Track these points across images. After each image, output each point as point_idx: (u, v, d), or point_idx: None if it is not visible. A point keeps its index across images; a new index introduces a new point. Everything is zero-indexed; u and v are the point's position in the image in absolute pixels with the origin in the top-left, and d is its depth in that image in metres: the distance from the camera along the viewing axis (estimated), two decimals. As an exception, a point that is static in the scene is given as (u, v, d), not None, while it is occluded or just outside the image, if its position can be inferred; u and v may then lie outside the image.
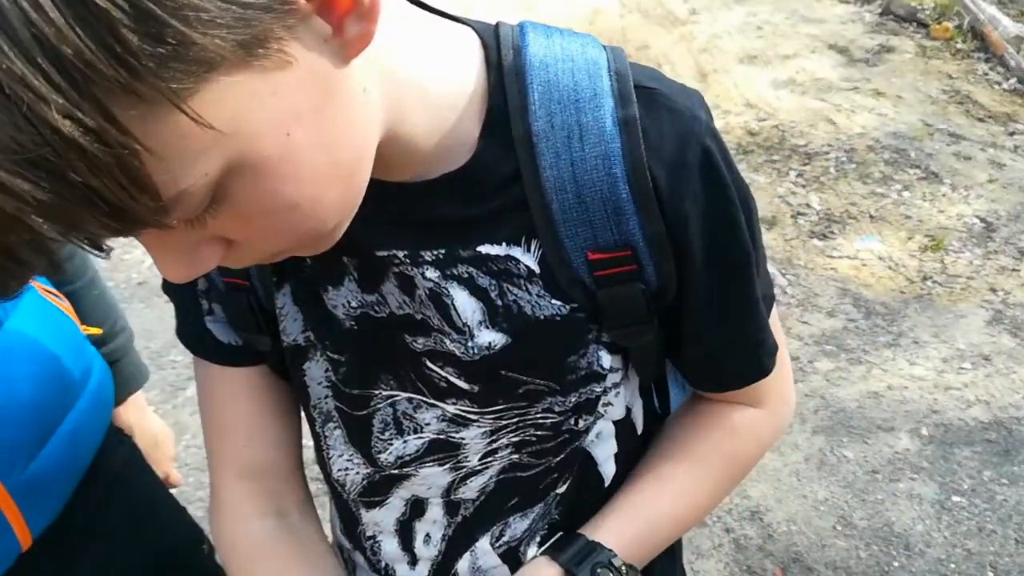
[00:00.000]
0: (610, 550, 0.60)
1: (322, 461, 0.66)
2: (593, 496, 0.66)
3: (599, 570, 0.59)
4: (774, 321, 0.62)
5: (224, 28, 0.31)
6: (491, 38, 0.51)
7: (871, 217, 3.03)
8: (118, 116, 0.29)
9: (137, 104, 0.30)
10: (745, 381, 0.62)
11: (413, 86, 0.46)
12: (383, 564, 0.68)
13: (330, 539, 0.73)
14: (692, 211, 0.52)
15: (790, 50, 4.10)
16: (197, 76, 0.31)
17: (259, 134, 0.35)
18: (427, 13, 0.50)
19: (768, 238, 2.92)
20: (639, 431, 0.67)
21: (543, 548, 0.64)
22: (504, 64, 0.50)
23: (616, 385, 0.61)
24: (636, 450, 0.68)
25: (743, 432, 0.66)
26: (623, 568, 0.60)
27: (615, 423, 0.63)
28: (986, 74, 3.84)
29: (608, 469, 0.65)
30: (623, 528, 0.63)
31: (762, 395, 0.65)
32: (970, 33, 4.10)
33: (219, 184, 0.36)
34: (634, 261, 0.52)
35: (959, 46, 4.05)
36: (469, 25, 0.52)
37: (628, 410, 0.64)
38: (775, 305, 0.63)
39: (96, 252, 0.34)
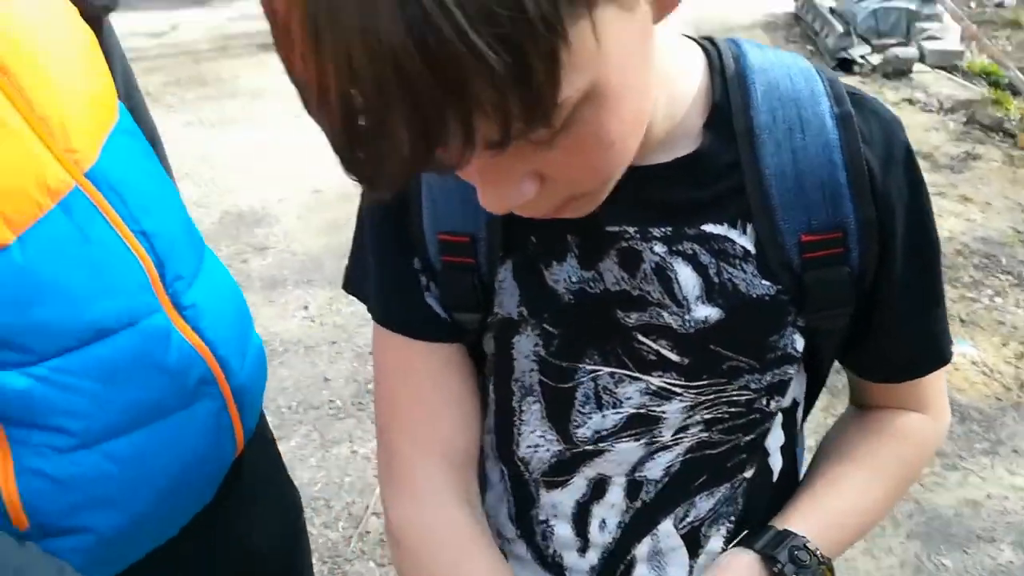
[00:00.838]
0: (803, 536, 0.62)
1: (507, 440, 0.67)
2: (765, 489, 0.68)
3: (796, 552, 0.61)
4: None
5: None
6: (711, 47, 0.59)
7: (962, 321, 2.97)
8: (561, 9, 0.35)
9: (571, 11, 0.36)
10: (931, 367, 0.67)
11: (662, 76, 0.52)
12: (551, 551, 0.69)
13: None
14: (898, 200, 0.59)
15: (873, 154, 4.14)
16: (598, 4, 0.37)
17: (613, 64, 0.40)
18: None
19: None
20: (799, 426, 0.70)
21: (734, 542, 0.66)
22: (727, 68, 0.58)
23: (796, 373, 0.64)
24: (793, 446, 0.70)
25: (912, 436, 0.70)
26: (818, 552, 0.62)
27: (783, 412, 0.67)
28: (1078, 184, 3.79)
29: (776, 461, 0.68)
30: (810, 522, 0.64)
31: (928, 399, 0.70)
32: (1059, 144, 4.07)
33: (575, 107, 0.40)
34: (842, 244, 0.58)
35: (1048, 156, 4.02)
36: (687, 36, 0.60)
37: (795, 404, 0.68)
38: None
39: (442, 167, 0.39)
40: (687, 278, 0.58)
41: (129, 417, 0.74)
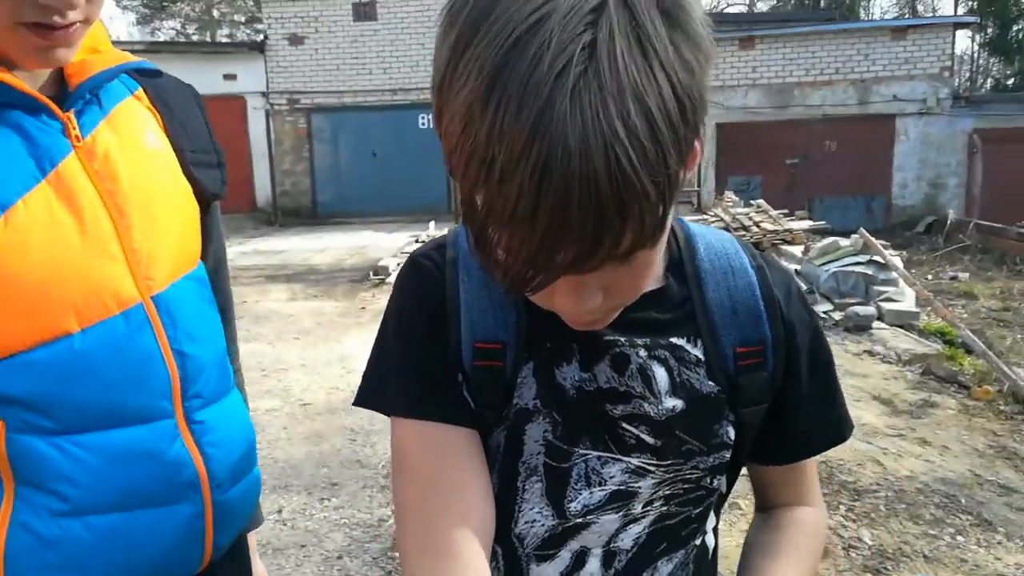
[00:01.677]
0: None
1: (505, 520, 0.76)
2: (706, 561, 0.82)
3: None
4: None
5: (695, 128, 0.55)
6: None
7: (925, 557, 3.00)
8: (681, 165, 0.53)
9: (679, 159, 0.53)
10: (832, 443, 0.84)
11: None
12: None
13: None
14: (798, 323, 0.79)
15: (836, 397, 4.36)
16: (691, 149, 0.55)
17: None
18: None
19: (820, 568, 2.91)
20: (720, 516, 0.85)
21: None
22: (678, 233, 0.80)
23: (727, 460, 0.80)
24: (711, 528, 0.84)
25: (812, 526, 0.86)
26: None
27: (719, 495, 0.81)
28: (1031, 434, 3.97)
29: (710, 540, 0.82)
30: None
31: (814, 494, 0.87)
32: (1011, 396, 4.32)
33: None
34: (763, 355, 0.77)
35: (1002, 407, 4.25)
36: None
37: (722, 491, 0.82)
38: None
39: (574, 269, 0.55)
40: (661, 376, 0.75)
41: (118, 498, 0.85)
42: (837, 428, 0.83)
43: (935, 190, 14.11)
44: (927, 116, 13.91)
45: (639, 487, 0.76)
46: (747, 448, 0.82)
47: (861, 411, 4.22)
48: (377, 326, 0.80)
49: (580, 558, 0.77)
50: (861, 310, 5.73)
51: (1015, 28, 22.96)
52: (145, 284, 0.89)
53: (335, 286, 8.16)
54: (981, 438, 3.94)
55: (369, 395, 0.76)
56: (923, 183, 14.14)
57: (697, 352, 0.77)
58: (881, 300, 5.95)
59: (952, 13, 25.80)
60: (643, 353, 0.76)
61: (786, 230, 8.40)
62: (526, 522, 0.77)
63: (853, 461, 3.69)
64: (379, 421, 3.73)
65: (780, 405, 0.81)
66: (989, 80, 29.34)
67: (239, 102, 15.04)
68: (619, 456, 0.76)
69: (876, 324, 5.71)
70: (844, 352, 5.33)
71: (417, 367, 0.74)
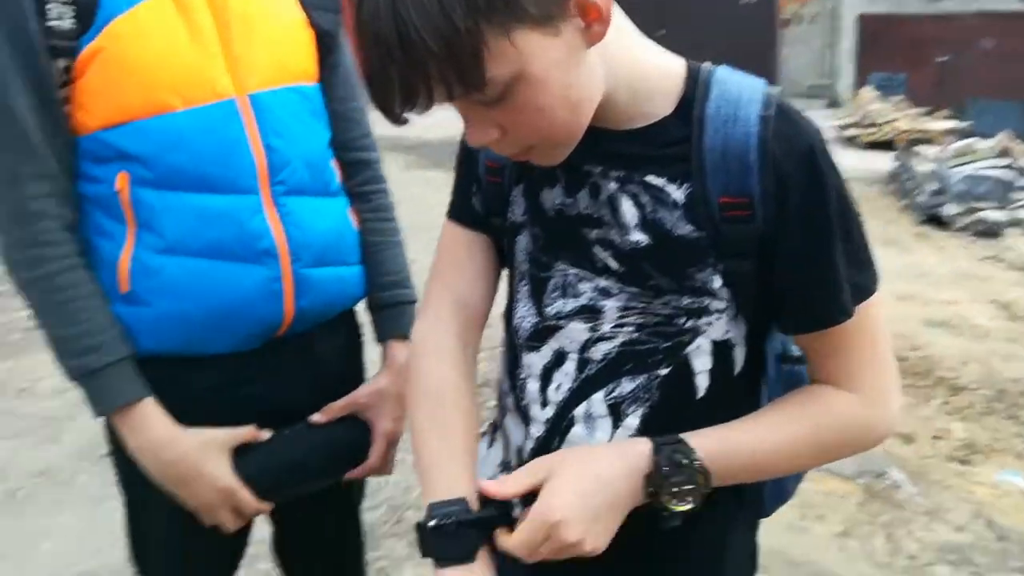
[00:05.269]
0: (692, 448, 0.78)
1: (510, 312, 0.92)
2: (685, 399, 0.84)
3: (676, 455, 0.77)
4: (874, 327, 0.81)
5: (539, 5, 0.66)
6: (695, 65, 0.82)
7: (1017, 455, 2.96)
8: (483, 28, 0.64)
9: (491, 29, 0.65)
10: (822, 322, 0.80)
11: (625, 76, 0.78)
12: (524, 403, 0.90)
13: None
14: (792, 181, 0.76)
15: (949, 296, 4.21)
16: (519, 24, 0.66)
17: (536, 62, 0.68)
18: (648, 42, 0.82)
19: (904, 451, 2.93)
20: (736, 369, 0.85)
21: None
22: (700, 76, 0.80)
23: (721, 312, 0.81)
24: (732, 383, 0.85)
25: (830, 405, 0.82)
26: (696, 464, 0.77)
27: (714, 343, 0.83)
28: None
29: (701, 381, 0.84)
30: (705, 438, 0.79)
31: (857, 380, 0.82)
32: None
33: (507, 86, 0.68)
34: (750, 208, 0.77)
35: None
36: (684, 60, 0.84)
37: (729, 342, 0.83)
38: (878, 322, 0.81)
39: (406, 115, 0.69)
40: (628, 209, 0.81)
41: (203, 246, 1.03)
42: (827, 305, 0.79)
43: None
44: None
45: (604, 306, 0.84)
46: (749, 303, 0.82)
47: (974, 312, 4.07)
48: None
49: (559, 358, 0.87)
50: (991, 215, 5.39)
51: None
52: (240, 84, 1.04)
53: (446, 158, 8.30)
54: (1103, 351, 3.74)
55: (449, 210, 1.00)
56: (1092, 90, 12.71)
57: (678, 194, 0.79)
58: (1017, 207, 5.57)
59: None
60: (613, 185, 0.82)
61: (921, 130, 7.85)
62: (519, 316, 0.91)
63: (957, 359, 3.60)
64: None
65: (775, 266, 0.79)
66: None
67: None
68: (591, 275, 0.84)
69: (1010, 231, 5.38)
70: (968, 256, 5.09)
71: (456, 182, 0.98)
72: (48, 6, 0.95)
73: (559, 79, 0.71)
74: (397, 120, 0.71)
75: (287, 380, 1.14)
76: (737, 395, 0.86)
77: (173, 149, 1.00)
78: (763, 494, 0.96)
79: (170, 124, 1.00)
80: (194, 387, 1.08)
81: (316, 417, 1.16)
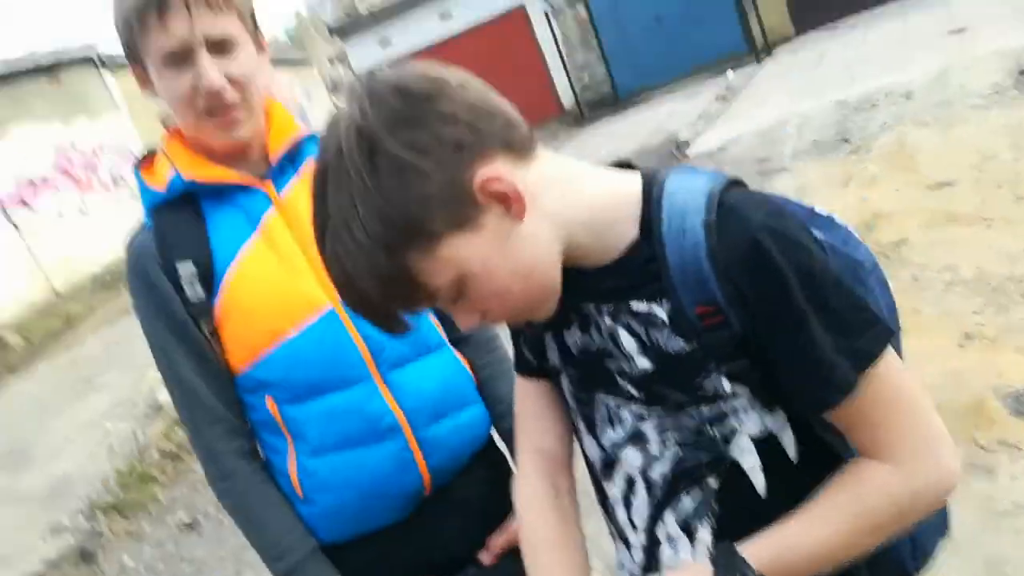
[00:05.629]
0: (747, 563, 0.78)
1: (582, 450, 0.97)
2: (750, 502, 0.84)
3: (732, 572, 0.78)
4: (893, 389, 0.78)
5: (449, 215, 0.72)
6: (649, 177, 0.84)
7: None
8: (409, 258, 0.72)
9: (416, 255, 0.72)
10: (825, 402, 0.79)
11: (581, 219, 0.81)
12: (618, 528, 0.96)
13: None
14: (745, 283, 0.76)
15: None
16: (439, 239, 0.72)
17: (473, 260, 0.74)
18: (598, 170, 0.85)
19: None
20: (792, 457, 0.85)
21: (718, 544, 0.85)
22: (654, 193, 0.81)
23: (746, 409, 0.83)
24: (792, 474, 0.85)
25: (876, 484, 0.79)
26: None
27: (755, 441, 0.84)
28: None
29: (758, 479, 0.84)
30: (760, 547, 0.80)
31: (893, 449, 0.79)
32: None
33: (457, 286, 0.75)
34: (721, 313, 0.78)
35: None
36: (639, 170, 0.86)
37: (770, 433, 0.84)
38: (893, 362, 0.78)
39: (407, 319, 0.80)
40: (627, 339, 0.84)
41: (338, 441, 1.19)
42: (822, 389, 0.77)
43: None
44: None
45: (645, 429, 0.88)
46: (765, 396, 0.82)
47: None
48: None
49: (631, 484, 0.92)
50: None
51: None
52: (330, 289, 1.17)
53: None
54: None
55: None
56: None
57: (662, 312, 0.81)
58: None
59: None
60: (608, 320, 0.85)
61: None
62: (586, 451, 0.96)
63: None
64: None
65: (768, 357, 0.79)
66: None
67: (519, 12, 15.49)
68: (626, 402, 0.88)
69: None
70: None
71: (511, 337, 1.03)
72: (182, 283, 1.16)
73: (500, 264, 0.76)
74: (392, 331, 0.81)
75: (436, 533, 1.27)
76: (809, 481, 0.84)
77: (296, 367, 1.18)
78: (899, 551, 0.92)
79: (289, 349, 1.17)
80: (361, 563, 1.25)
81: (484, 557, 1.28)
